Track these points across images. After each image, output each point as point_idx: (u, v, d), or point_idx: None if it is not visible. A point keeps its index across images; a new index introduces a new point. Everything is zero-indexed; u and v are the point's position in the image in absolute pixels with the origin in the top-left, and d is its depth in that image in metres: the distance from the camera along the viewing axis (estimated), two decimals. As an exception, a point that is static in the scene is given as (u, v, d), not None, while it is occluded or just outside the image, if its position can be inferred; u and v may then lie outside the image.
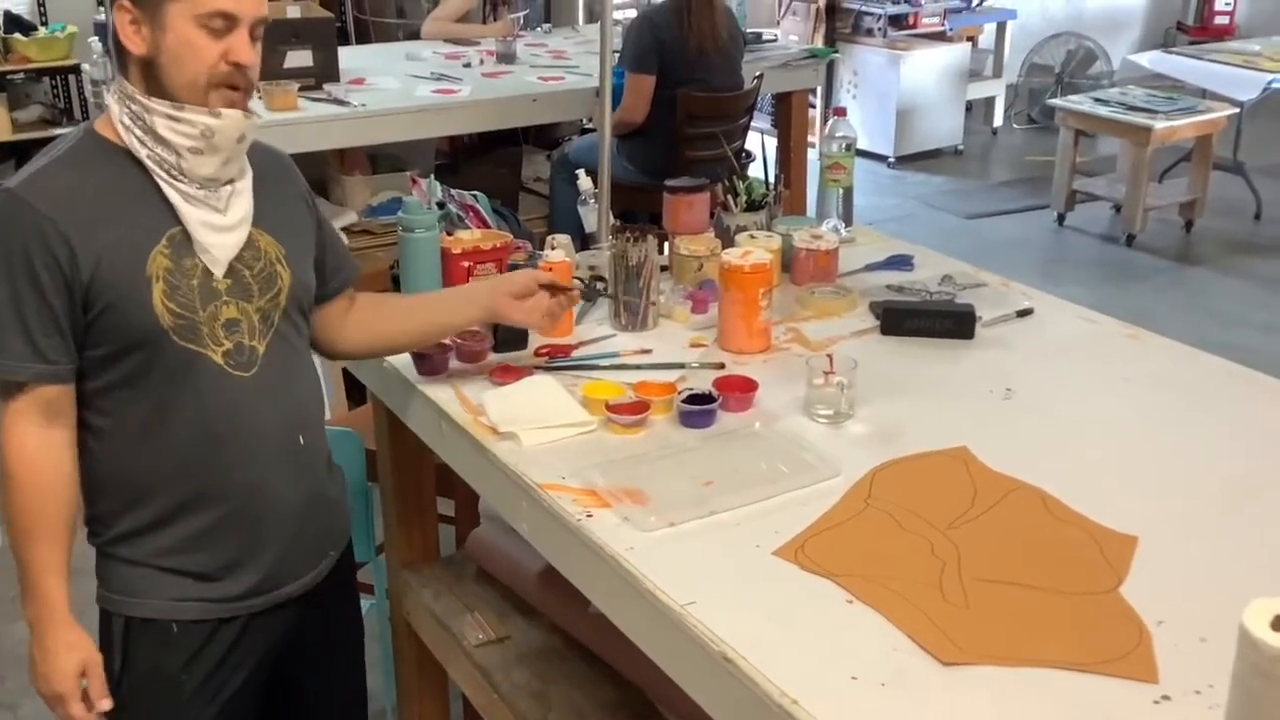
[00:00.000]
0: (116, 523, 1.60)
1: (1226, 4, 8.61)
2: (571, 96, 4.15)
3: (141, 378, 1.54)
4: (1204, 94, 6.11)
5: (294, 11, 4.07)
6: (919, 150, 7.06)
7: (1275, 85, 5.80)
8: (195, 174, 1.53)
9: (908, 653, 1.26)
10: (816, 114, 6.68)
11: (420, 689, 2.33)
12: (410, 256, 2.03)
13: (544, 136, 4.90)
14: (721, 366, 1.89)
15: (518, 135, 4.78)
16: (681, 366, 1.90)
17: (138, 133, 1.52)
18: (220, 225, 1.55)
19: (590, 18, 6.05)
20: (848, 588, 1.36)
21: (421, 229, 2.03)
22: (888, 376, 1.87)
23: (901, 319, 2.04)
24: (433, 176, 2.47)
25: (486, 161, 4.63)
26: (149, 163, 1.52)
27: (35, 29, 5.56)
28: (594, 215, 3.12)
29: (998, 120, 7.78)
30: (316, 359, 1.79)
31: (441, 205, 2.33)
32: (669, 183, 2.35)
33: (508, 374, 1.86)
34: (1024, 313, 2.12)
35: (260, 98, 3.59)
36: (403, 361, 1.91)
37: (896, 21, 7.00)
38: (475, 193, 2.46)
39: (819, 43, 6.72)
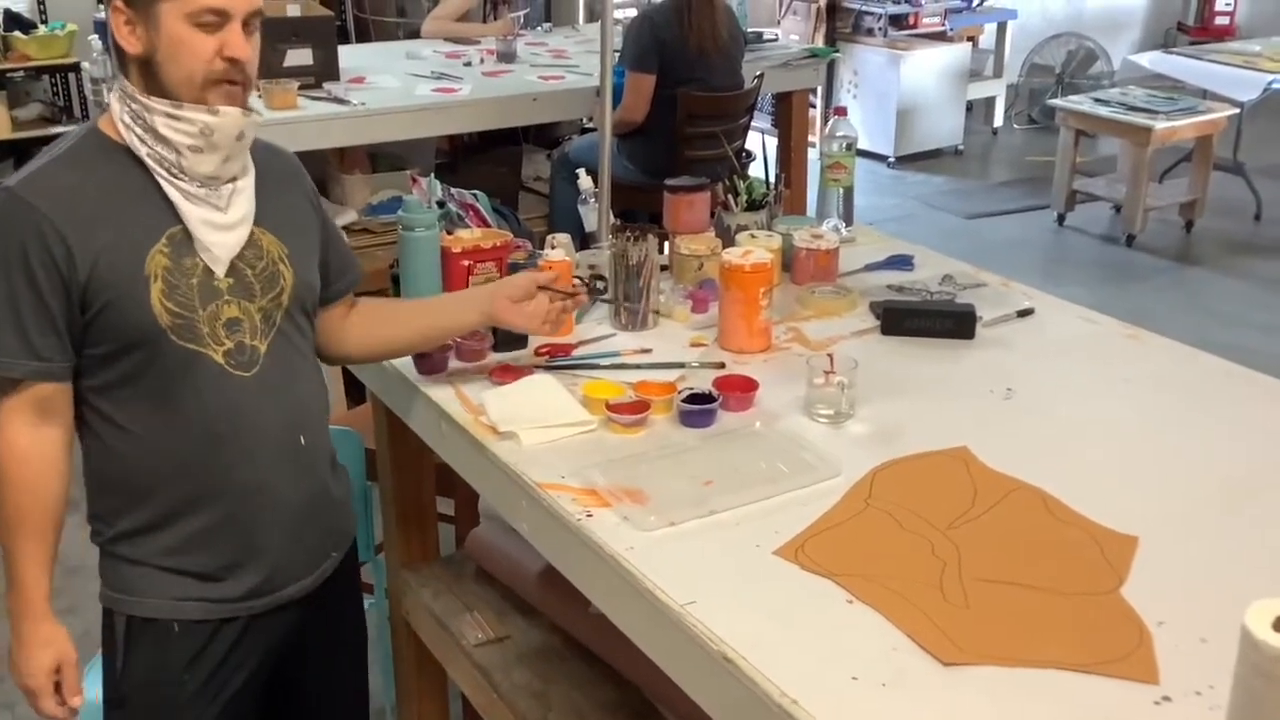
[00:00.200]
0: (117, 521, 1.60)
1: (1227, 4, 8.61)
2: (571, 96, 4.15)
3: (141, 377, 1.54)
4: (1204, 94, 6.11)
5: (294, 10, 4.06)
6: (919, 150, 7.06)
7: (1275, 86, 5.80)
8: (196, 172, 1.53)
9: (908, 653, 1.25)
10: (817, 114, 6.68)
11: (419, 689, 2.33)
12: (410, 255, 2.03)
13: (544, 136, 4.90)
14: (722, 366, 1.89)
15: (518, 134, 4.78)
16: (682, 366, 1.90)
17: (138, 131, 1.52)
18: (221, 224, 1.55)
19: (590, 17, 6.05)
20: (848, 588, 1.35)
21: (421, 228, 2.02)
22: (888, 376, 1.87)
23: (902, 319, 2.04)
24: (433, 175, 2.47)
25: (486, 160, 4.63)
26: (149, 161, 1.52)
27: (35, 27, 5.56)
28: (594, 214, 3.12)
29: (998, 120, 7.78)
30: (316, 360, 1.79)
31: (441, 204, 2.32)
32: (669, 182, 2.35)
33: (508, 373, 1.86)
34: (1024, 313, 2.12)
35: (260, 96, 3.58)
36: (403, 361, 1.90)
37: (897, 21, 7.00)
38: (475, 192, 2.45)
39: (819, 42, 6.72)
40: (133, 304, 1.50)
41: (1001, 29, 7.59)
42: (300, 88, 3.75)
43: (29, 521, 1.55)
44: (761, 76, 4.34)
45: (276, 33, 3.69)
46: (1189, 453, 1.68)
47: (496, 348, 1.94)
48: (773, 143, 4.73)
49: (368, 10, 5.74)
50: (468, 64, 4.40)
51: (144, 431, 1.56)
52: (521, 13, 5.12)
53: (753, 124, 4.39)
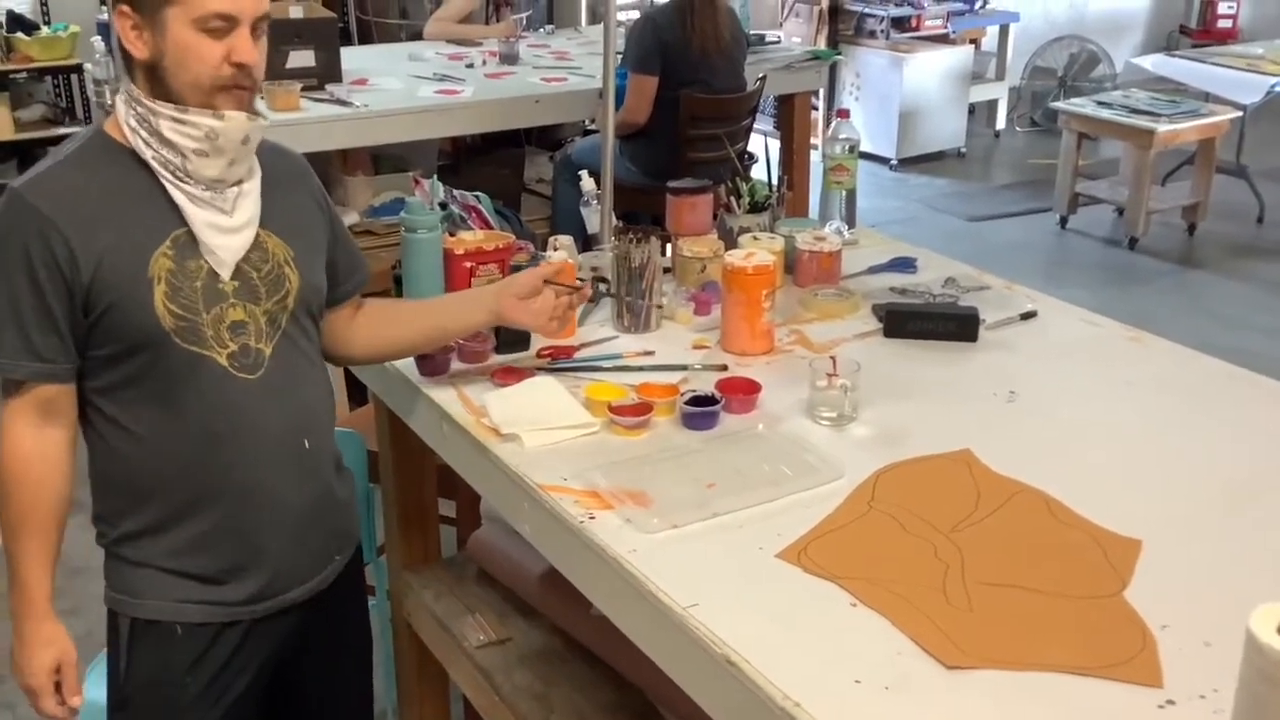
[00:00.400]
0: (121, 523, 1.60)
1: (1229, 7, 8.61)
2: (574, 97, 4.15)
3: (144, 379, 1.54)
4: (1207, 97, 6.11)
5: (296, 12, 4.06)
6: (921, 153, 7.06)
7: (1278, 88, 5.80)
8: (201, 175, 1.52)
9: (911, 656, 1.25)
10: (819, 116, 6.69)
11: (421, 690, 2.33)
12: (413, 257, 2.03)
13: (546, 137, 4.90)
14: (724, 368, 1.89)
15: (520, 136, 4.78)
16: (684, 368, 1.89)
17: (144, 134, 1.51)
18: (227, 227, 1.55)
19: (593, 19, 6.06)
20: (851, 590, 1.35)
21: (424, 229, 2.02)
22: (891, 379, 1.86)
23: (905, 321, 2.03)
24: (435, 177, 2.47)
25: (489, 162, 4.63)
26: (155, 164, 1.51)
27: (38, 28, 5.56)
28: (596, 216, 3.12)
29: (1000, 123, 7.78)
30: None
31: (444, 206, 2.32)
32: (672, 184, 2.35)
33: (510, 375, 1.85)
34: (1027, 315, 2.12)
35: (262, 98, 3.58)
36: (405, 362, 1.90)
37: (899, 24, 7.00)
38: (477, 193, 2.46)
39: (822, 44, 6.72)
40: (136, 306, 1.50)
41: (1004, 31, 7.59)
42: (303, 89, 3.75)
43: (32, 521, 1.55)
44: (764, 79, 4.34)
45: (279, 34, 3.70)
46: (1192, 455, 1.68)
47: (499, 349, 1.94)
48: (775, 145, 4.73)
49: (370, 12, 5.74)
50: (470, 66, 4.40)
51: (147, 434, 1.56)
52: (524, 14, 5.12)
53: (755, 126, 4.39)
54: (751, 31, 4.98)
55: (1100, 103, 5.85)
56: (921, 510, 1.51)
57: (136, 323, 1.50)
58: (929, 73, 6.93)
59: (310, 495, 1.67)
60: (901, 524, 1.48)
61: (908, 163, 6.99)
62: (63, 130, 5.47)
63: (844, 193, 2.47)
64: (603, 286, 2.06)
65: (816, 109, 6.55)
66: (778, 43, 5.33)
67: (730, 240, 2.23)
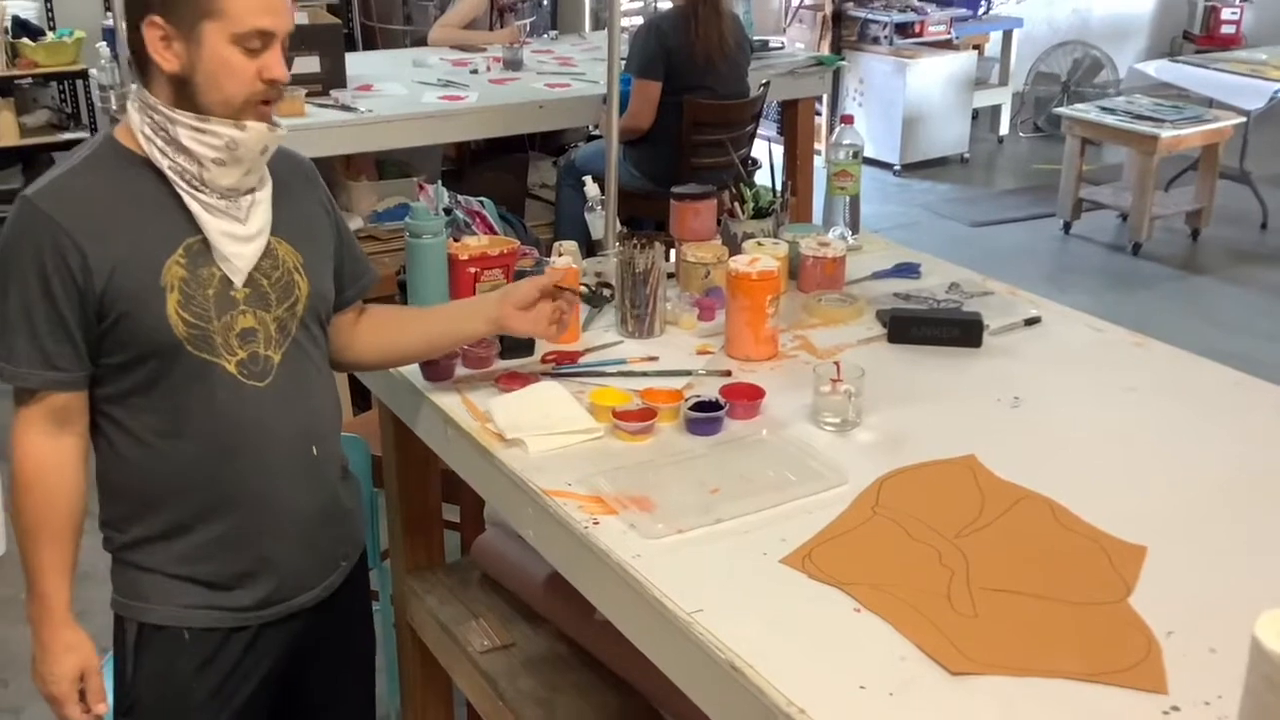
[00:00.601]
0: (129, 529, 1.60)
1: (1233, 13, 8.61)
2: (578, 103, 4.16)
3: (155, 386, 1.53)
4: (1210, 103, 6.11)
5: (301, 18, 4.07)
6: (925, 158, 7.06)
7: (1281, 94, 5.80)
8: (217, 184, 1.52)
9: (916, 662, 1.25)
10: (823, 121, 6.70)
11: (424, 695, 2.33)
12: (417, 262, 2.03)
13: (550, 143, 4.90)
14: (728, 374, 1.89)
15: (524, 142, 4.79)
16: (688, 373, 1.90)
17: (159, 143, 1.50)
18: (241, 235, 1.54)
19: (597, 24, 6.07)
20: (855, 596, 1.35)
21: (428, 235, 2.02)
22: (895, 384, 1.86)
23: (909, 327, 2.03)
24: (439, 183, 2.47)
25: (493, 168, 4.64)
26: (170, 173, 1.51)
27: (43, 34, 5.57)
28: (600, 222, 3.12)
29: (1004, 128, 7.78)
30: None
31: (448, 211, 2.33)
32: (676, 190, 2.35)
33: (514, 380, 1.86)
34: (1031, 321, 2.12)
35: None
36: (409, 368, 1.91)
37: (903, 29, 7.00)
38: (482, 199, 2.46)
39: (825, 50, 6.72)
40: (148, 314, 1.49)
41: (1007, 37, 7.59)
42: (307, 95, 3.76)
43: (48, 529, 1.55)
44: (767, 84, 4.35)
45: (284, 40, 3.70)
46: (1196, 461, 1.68)
47: (503, 355, 1.94)
48: (779, 150, 4.74)
49: (375, 18, 5.76)
50: (474, 71, 4.41)
51: (156, 440, 1.56)
52: (528, 20, 5.13)
53: (759, 132, 4.39)
54: (755, 37, 4.98)
55: (1104, 108, 5.85)
56: (926, 516, 1.51)
57: (148, 331, 1.50)
58: (932, 78, 6.93)
59: (318, 502, 1.66)
60: (906, 530, 1.48)
61: (911, 168, 6.99)
62: (67, 136, 5.48)
63: (848, 198, 2.47)
64: (606, 293, 2.06)
65: (820, 115, 6.55)
66: (781, 48, 5.33)
67: (734, 246, 2.23)
